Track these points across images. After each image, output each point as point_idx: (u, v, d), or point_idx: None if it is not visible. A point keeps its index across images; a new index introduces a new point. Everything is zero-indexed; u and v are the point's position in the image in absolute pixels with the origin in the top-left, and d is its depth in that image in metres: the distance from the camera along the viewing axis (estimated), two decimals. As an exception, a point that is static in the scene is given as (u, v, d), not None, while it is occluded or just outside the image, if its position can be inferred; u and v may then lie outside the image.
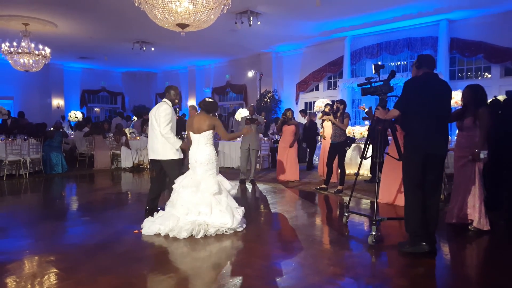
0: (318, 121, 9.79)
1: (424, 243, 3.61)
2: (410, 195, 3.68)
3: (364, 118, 8.13)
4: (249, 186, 7.65)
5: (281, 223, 4.95)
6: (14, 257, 3.62)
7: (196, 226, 4.21)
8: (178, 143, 4.83)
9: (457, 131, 4.65)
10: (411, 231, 3.68)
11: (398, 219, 4.67)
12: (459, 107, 6.22)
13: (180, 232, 4.17)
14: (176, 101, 5.02)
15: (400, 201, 5.55)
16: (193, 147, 4.61)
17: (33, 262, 3.52)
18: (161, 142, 4.83)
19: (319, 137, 8.75)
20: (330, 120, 7.02)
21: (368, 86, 4.13)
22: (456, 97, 6.88)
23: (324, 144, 7.85)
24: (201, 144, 4.55)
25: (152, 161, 5.13)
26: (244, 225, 4.55)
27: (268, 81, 13.89)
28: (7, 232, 4.59)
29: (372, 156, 4.33)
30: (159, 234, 4.26)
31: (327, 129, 7.67)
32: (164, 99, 4.97)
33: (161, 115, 4.76)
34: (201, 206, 4.32)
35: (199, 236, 4.16)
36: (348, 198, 4.93)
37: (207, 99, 4.73)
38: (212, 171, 4.51)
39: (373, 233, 3.94)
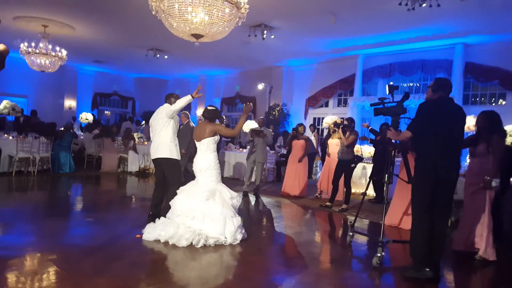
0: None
1: (428, 269, 3.54)
2: (418, 219, 3.61)
3: (362, 138, 8.01)
4: (252, 199, 7.60)
5: (283, 238, 4.90)
6: (17, 253, 3.63)
7: (196, 236, 4.18)
8: (188, 97, 4.80)
9: (467, 157, 4.59)
10: (415, 256, 3.61)
11: (403, 242, 4.59)
12: (471, 133, 6.16)
13: (179, 240, 4.14)
14: None
15: (406, 224, 5.47)
16: (196, 155, 4.64)
17: (34, 260, 3.53)
18: (162, 141, 4.87)
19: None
20: (337, 132, 7.03)
21: (381, 106, 4.11)
22: (469, 122, 6.80)
23: (328, 161, 7.82)
24: (202, 151, 4.57)
25: (155, 165, 5.11)
26: (240, 236, 4.37)
27: (278, 95, 13.92)
28: (12, 227, 4.62)
29: (381, 177, 4.27)
30: (159, 240, 4.24)
31: (331, 146, 7.67)
32: (165, 104, 5.04)
33: (164, 110, 4.87)
34: (194, 211, 4.30)
35: (199, 246, 4.13)
36: (352, 218, 4.87)
37: (208, 107, 4.75)
38: (212, 178, 4.48)
39: (379, 254, 3.87)
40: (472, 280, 3.99)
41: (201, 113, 4.79)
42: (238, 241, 4.32)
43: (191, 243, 4.14)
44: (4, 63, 0.99)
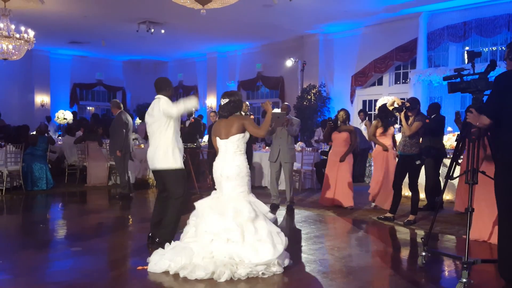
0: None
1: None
2: (506, 227, 3.55)
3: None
4: (284, 213, 7.61)
5: (329, 264, 4.90)
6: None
7: (219, 267, 4.18)
8: (193, 99, 4.96)
9: None
10: (507, 275, 3.56)
11: (495, 262, 4.50)
12: None
13: (193, 272, 4.15)
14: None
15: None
16: (219, 157, 4.67)
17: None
18: (162, 148, 4.97)
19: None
20: (399, 116, 6.90)
21: (459, 80, 4.04)
22: None
23: (384, 157, 7.78)
24: (229, 153, 4.58)
25: (155, 175, 5.25)
26: (287, 261, 4.46)
27: (313, 73, 13.88)
28: (-23, 264, 4.78)
29: (466, 176, 4.19)
30: (169, 272, 4.29)
31: (387, 137, 7.67)
32: (160, 96, 5.08)
33: (163, 106, 4.92)
34: (231, 232, 4.33)
35: (222, 279, 4.09)
36: (422, 232, 4.82)
37: (222, 99, 4.72)
38: (243, 188, 4.52)
39: (464, 280, 3.82)
40: None
41: (218, 108, 4.82)
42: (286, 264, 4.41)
43: (212, 276, 4.13)
44: None
